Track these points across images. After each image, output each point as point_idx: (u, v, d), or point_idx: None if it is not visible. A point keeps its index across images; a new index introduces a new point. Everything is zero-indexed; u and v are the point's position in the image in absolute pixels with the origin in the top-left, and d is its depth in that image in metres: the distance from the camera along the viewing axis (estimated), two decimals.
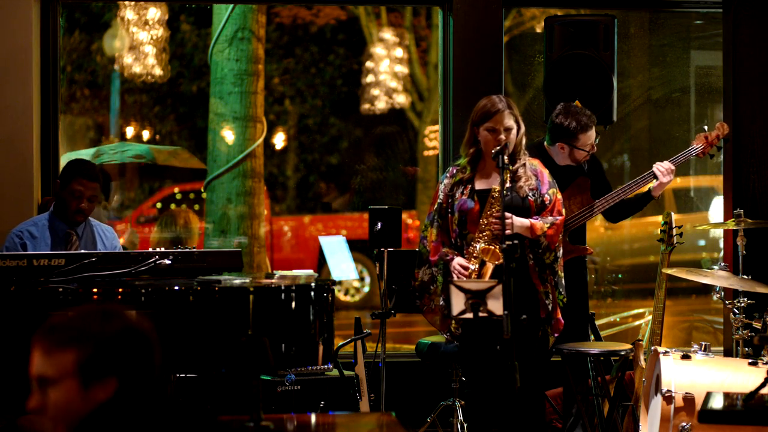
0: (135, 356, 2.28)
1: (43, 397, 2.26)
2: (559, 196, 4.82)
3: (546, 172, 4.81)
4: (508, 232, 4.47)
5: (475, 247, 4.63)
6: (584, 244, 5.38)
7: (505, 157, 4.50)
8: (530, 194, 4.73)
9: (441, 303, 4.72)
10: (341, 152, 11.03)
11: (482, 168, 4.79)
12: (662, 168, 5.30)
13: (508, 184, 4.63)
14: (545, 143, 5.37)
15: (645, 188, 5.41)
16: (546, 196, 4.74)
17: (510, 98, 4.87)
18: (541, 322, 4.73)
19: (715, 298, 5.18)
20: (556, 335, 4.79)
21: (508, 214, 4.53)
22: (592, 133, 5.26)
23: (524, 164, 4.76)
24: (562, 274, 4.79)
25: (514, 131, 4.69)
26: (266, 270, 8.11)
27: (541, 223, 4.67)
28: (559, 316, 4.76)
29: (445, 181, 4.82)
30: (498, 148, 4.52)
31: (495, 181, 4.65)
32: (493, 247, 4.57)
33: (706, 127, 5.51)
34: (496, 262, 4.54)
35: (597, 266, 6.73)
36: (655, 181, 5.31)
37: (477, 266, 4.61)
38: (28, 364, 2.30)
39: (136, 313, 2.35)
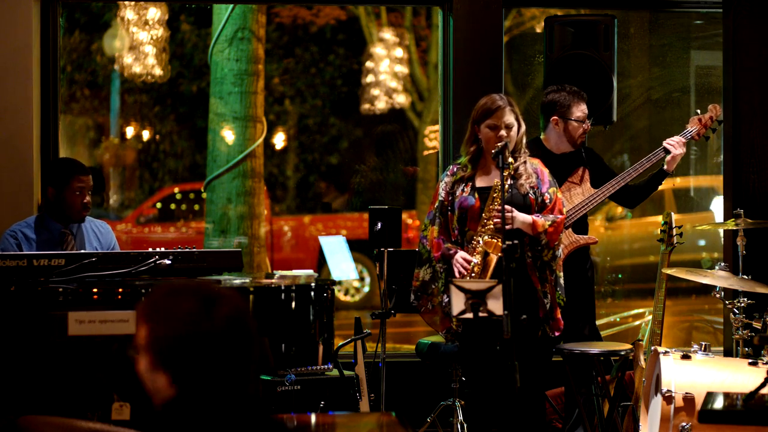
0: (196, 364, 2.18)
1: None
2: (560, 195, 4.83)
3: (546, 171, 4.82)
4: (509, 226, 4.48)
5: (478, 241, 4.64)
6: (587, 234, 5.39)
7: (506, 155, 4.52)
8: (531, 192, 4.74)
9: (445, 301, 4.71)
10: (341, 152, 11.04)
11: (483, 166, 4.80)
12: (672, 141, 5.32)
13: (508, 182, 4.65)
14: (541, 136, 5.39)
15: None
16: (546, 195, 4.76)
17: (510, 97, 4.89)
18: (539, 322, 4.73)
19: (717, 297, 5.17)
20: (556, 334, 4.79)
21: (509, 207, 4.54)
22: (583, 105, 5.31)
23: (524, 162, 4.78)
24: (561, 274, 4.79)
25: (515, 129, 4.71)
26: (266, 270, 8.10)
27: (542, 221, 4.68)
28: (559, 316, 4.76)
29: (446, 179, 4.83)
30: (499, 146, 4.53)
31: (496, 179, 4.66)
32: (496, 240, 4.58)
33: (698, 111, 5.52)
34: (500, 254, 4.54)
35: (597, 267, 6.73)
36: (667, 155, 5.31)
37: (480, 259, 4.61)
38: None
39: (237, 310, 2.21)
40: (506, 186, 4.55)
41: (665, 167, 5.37)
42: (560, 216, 4.75)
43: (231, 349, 2.20)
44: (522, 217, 4.65)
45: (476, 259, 4.62)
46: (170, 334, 2.19)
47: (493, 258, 4.57)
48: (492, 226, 4.62)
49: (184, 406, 2.19)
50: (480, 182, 4.77)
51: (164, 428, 2.21)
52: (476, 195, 4.72)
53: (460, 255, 4.67)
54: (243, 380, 2.22)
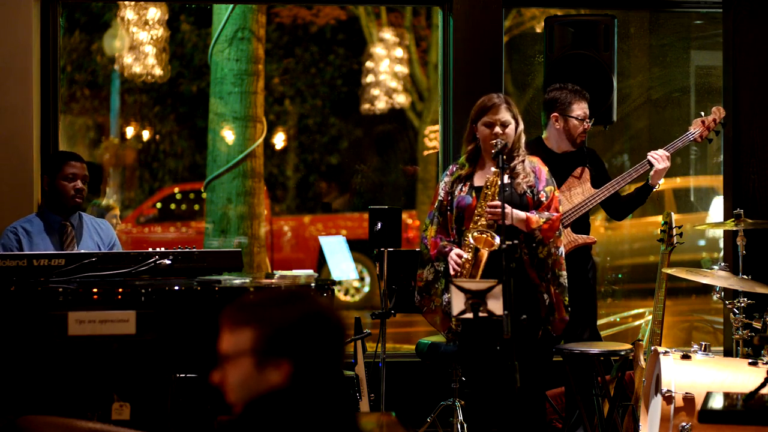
0: (313, 344, 2.25)
1: (222, 372, 2.28)
2: (557, 193, 4.83)
3: (545, 170, 4.82)
4: (507, 222, 4.47)
5: (468, 237, 4.63)
6: (588, 234, 5.39)
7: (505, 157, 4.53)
8: (528, 191, 4.74)
9: (445, 301, 4.71)
10: (341, 152, 11.04)
11: (481, 165, 4.81)
12: (657, 155, 5.32)
13: (506, 180, 4.64)
14: (543, 135, 5.40)
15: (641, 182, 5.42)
16: (542, 192, 4.75)
17: (509, 96, 4.89)
18: (540, 321, 4.72)
19: (715, 298, 5.18)
20: (555, 335, 4.78)
21: (506, 206, 4.52)
22: (584, 104, 5.32)
23: (523, 161, 4.77)
24: (564, 273, 4.77)
25: (512, 126, 4.71)
26: (266, 270, 8.10)
27: (536, 217, 4.68)
28: (564, 315, 4.74)
29: (445, 179, 4.84)
30: (498, 146, 4.53)
31: (488, 174, 4.66)
32: (486, 236, 4.56)
33: (702, 113, 5.52)
34: (490, 249, 4.53)
35: (597, 267, 6.74)
36: (651, 168, 5.32)
37: (471, 255, 4.60)
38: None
39: (325, 302, 2.31)
40: (502, 184, 4.53)
41: (650, 181, 5.37)
42: (555, 214, 4.74)
43: (336, 331, 2.28)
44: (516, 214, 4.65)
45: (467, 255, 4.61)
46: (283, 323, 2.24)
47: (484, 253, 4.56)
48: (484, 222, 4.61)
49: (302, 389, 2.23)
50: (478, 181, 4.77)
51: (270, 417, 2.23)
52: (473, 194, 4.73)
53: (455, 252, 4.67)
54: (341, 368, 2.31)
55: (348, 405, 2.32)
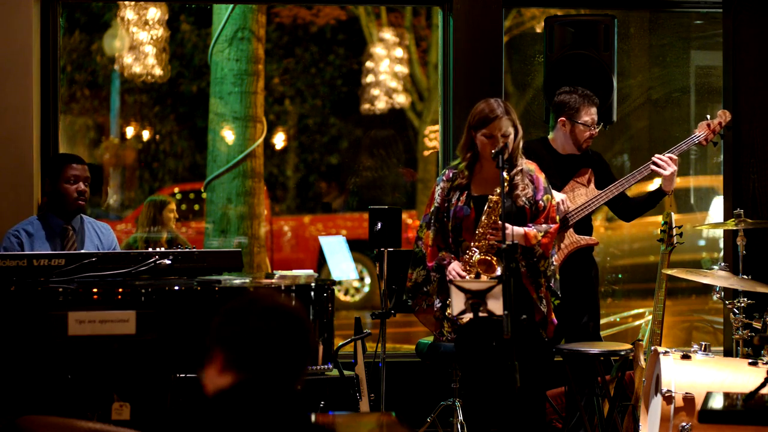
0: (259, 356, 2.34)
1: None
2: (554, 202, 4.79)
3: (542, 177, 4.77)
4: (507, 242, 4.46)
5: (471, 256, 4.61)
6: (590, 236, 5.39)
7: (506, 155, 4.51)
8: (526, 203, 4.71)
9: (438, 305, 4.70)
10: (341, 152, 11.04)
11: (479, 172, 4.76)
12: (661, 162, 5.30)
13: (505, 190, 4.60)
14: (549, 136, 5.39)
15: (649, 183, 5.40)
16: (540, 202, 4.71)
17: (508, 102, 4.82)
18: (536, 326, 4.71)
19: (715, 298, 5.18)
20: (548, 338, 4.78)
21: (507, 225, 4.49)
22: (593, 110, 5.31)
23: (521, 170, 4.73)
24: (558, 277, 4.77)
25: (512, 137, 4.66)
26: (266, 270, 8.11)
27: (534, 232, 4.65)
28: (552, 317, 4.75)
29: (442, 184, 4.79)
30: (498, 147, 4.51)
31: (492, 187, 4.63)
32: (489, 258, 4.55)
33: (708, 116, 5.52)
34: (492, 276, 4.52)
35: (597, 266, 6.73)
36: (659, 174, 5.32)
37: (473, 276, 4.58)
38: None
39: (293, 314, 2.39)
40: (503, 193, 4.50)
41: (663, 188, 5.36)
42: (553, 225, 4.71)
43: (279, 342, 2.36)
44: (516, 231, 4.61)
45: (469, 277, 4.59)
46: (240, 339, 2.36)
47: (485, 278, 4.54)
48: (486, 242, 4.59)
49: (246, 397, 2.32)
50: (476, 190, 4.72)
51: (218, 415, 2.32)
52: (471, 205, 4.68)
53: (455, 270, 4.63)
54: (290, 373, 2.37)
55: (296, 419, 2.37)
